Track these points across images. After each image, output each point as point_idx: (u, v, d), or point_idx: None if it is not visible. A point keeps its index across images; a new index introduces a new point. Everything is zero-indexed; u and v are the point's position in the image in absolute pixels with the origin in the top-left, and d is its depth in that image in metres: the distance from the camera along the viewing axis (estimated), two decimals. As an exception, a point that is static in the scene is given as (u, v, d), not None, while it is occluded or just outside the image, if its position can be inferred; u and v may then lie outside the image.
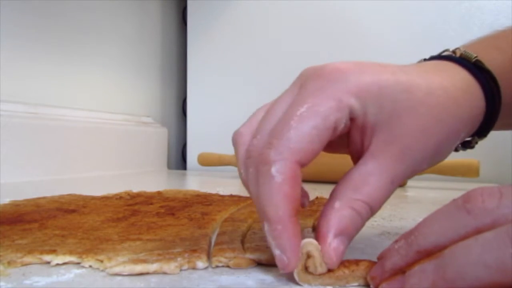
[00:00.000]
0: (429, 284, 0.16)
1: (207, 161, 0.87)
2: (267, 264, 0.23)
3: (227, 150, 0.88)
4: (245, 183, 0.23)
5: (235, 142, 0.24)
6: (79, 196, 0.45)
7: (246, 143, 0.23)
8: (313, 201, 0.44)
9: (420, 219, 0.20)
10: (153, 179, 0.80)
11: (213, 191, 0.52)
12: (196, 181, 0.80)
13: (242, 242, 0.26)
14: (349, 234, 0.21)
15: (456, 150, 0.29)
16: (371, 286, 0.20)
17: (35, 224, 0.30)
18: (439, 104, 0.23)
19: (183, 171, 1.04)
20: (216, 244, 0.25)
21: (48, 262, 0.23)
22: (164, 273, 0.22)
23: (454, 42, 0.97)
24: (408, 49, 0.86)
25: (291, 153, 0.20)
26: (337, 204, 0.22)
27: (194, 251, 0.23)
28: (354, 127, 0.23)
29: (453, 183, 0.74)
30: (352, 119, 0.22)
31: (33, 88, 0.72)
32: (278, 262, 0.20)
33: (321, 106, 0.21)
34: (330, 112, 0.21)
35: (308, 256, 0.20)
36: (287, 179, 0.20)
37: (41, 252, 0.23)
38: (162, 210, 0.37)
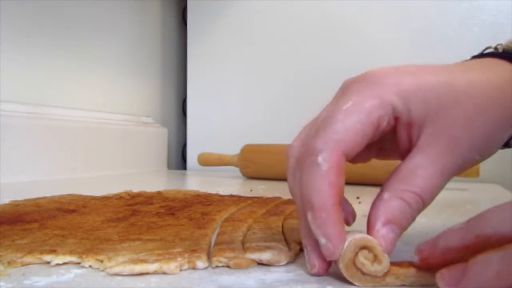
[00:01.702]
0: (493, 273, 0.16)
1: (207, 161, 0.87)
2: (267, 264, 0.23)
3: (227, 150, 0.88)
4: (292, 191, 0.24)
5: (286, 155, 0.25)
6: (79, 196, 0.45)
7: (296, 154, 0.24)
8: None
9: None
10: (153, 179, 0.80)
11: (213, 191, 0.52)
12: (196, 181, 0.80)
13: (242, 242, 0.26)
14: (399, 224, 0.22)
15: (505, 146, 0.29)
16: (417, 258, 0.20)
17: (35, 224, 0.30)
18: (483, 93, 0.23)
19: (183, 171, 1.04)
20: (216, 244, 0.25)
21: (48, 262, 0.23)
22: (164, 273, 0.22)
23: (454, 42, 0.97)
24: (408, 49, 0.86)
25: (337, 143, 0.21)
26: (385, 195, 0.22)
27: (194, 251, 0.23)
28: (400, 126, 0.23)
29: (453, 183, 0.74)
30: (396, 118, 0.23)
31: (33, 88, 0.72)
32: (324, 251, 0.21)
33: (365, 103, 0.22)
34: (373, 108, 0.22)
35: (364, 247, 0.20)
36: (333, 167, 0.21)
37: (41, 252, 0.23)
38: (162, 210, 0.37)
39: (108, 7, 0.90)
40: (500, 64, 0.25)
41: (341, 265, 0.20)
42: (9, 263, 0.22)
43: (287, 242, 0.26)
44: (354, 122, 0.22)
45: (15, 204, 0.39)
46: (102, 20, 0.88)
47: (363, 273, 0.20)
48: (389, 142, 0.26)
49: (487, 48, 0.28)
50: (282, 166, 0.79)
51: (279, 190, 0.60)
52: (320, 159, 0.21)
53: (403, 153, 0.24)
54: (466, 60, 0.28)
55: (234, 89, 1.03)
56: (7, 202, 0.40)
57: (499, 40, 0.32)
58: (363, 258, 0.20)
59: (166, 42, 1.12)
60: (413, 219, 0.22)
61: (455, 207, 0.47)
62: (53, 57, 0.76)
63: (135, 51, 1.00)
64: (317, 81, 0.94)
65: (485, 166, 0.72)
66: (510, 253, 0.16)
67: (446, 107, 0.22)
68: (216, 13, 1.04)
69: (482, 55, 0.28)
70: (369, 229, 0.22)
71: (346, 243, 0.20)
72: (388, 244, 0.21)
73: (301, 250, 0.26)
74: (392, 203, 0.22)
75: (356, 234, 0.21)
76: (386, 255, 0.20)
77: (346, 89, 0.24)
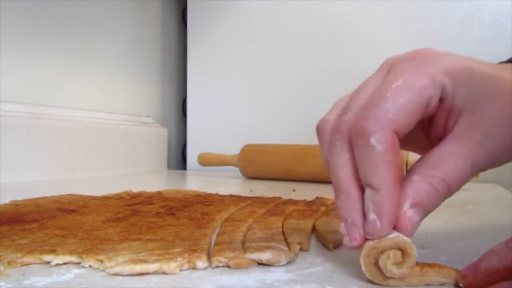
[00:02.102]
0: None
1: (207, 161, 0.87)
2: (267, 264, 0.23)
3: (227, 150, 0.88)
4: (328, 164, 0.23)
5: (320, 129, 0.25)
6: (79, 196, 0.45)
7: (331, 128, 0.24)
8: (313, 201, 0.44)
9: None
10: (153, 179, 0.80)
11: (213, 191, 0.52)
12: (196, 181, 0.80)
13: (242, 242, 0.26)
14: (424, 208, 0.22)
15: None
16: (461, 285, 0.19)
17: (35, 224, 0.30)
18: None
19: (183, 171, 1.04)
20: (216, 244, 0.25)
21: (48, 262, 0.23)
22: (164, 273, 0.22)
23: (454, 42, 0.97)
24: (409, 49, 0.86)
25: (389, 123, 0.21)
26: (415, 177, 0.22)
27: (194, 251, 0.23)
28: (441, 109, 0.23)
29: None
30: (441, 100, 0.23)
31: (33, 88, 0.72)
32: (369, 227, 0.21)
33: (416, 81, 0.22)
34: (425, 87, 0.22)
35: (402, 250, 0.20)
36: (389, 148, 0.21)
37: (41, 252, 0.23)
38: (162, 210, 0.37)
39: (108, 7, 0.90)
40: None
41: (371, 243, 0.20)
42: (9, 263, 0.22)
43: (287, 242, 0.26)
44: (406, 101, 0.21)
45: (15, 204, 0.39)
46: (102, 20, 0.88)
47: (375, 264, 0.20)
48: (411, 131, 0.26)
49: None
50: (282, 166, 0.79)
51: (279, 190, 0.60)
52: (373, 140, 0.21)
53: (434, 138, 0.24)
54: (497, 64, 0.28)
55: (234, 89, 1.03)
56: (7, 202, 0.40)
57: (499, 40, 0.32)
58: (392, 255, 0.20)
59: (166, 42, 1.12)
60: (436, 206, 0.22)
61: (455, 207, 0.47)
62: (53, 57, 0.76)
63: (135, 51, 1.00)
64: (317, 81, 0.94)
65: (485, 166, 0.72)
66: None
67: (487, 99, 0.22)
68: (216, 13, 1.04)
69: (510, 61, 0.28)
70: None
71: (393, 235, 0.20)
72: (413, 226, 0.21)
73: (301, 250, 0.26)
74: (421, 186, 0.22)
75: (405, 237, 0.20)
76: (409, 268, 0.20)
77: (394, 67, 0.24)
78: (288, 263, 0.24)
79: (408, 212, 0.21)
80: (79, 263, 0.23)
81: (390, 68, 0.24)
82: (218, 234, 0.28)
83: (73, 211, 0.36)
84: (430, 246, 0.29)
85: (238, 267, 0.23)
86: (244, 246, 0.25)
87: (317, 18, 0.95)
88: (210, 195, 0.48)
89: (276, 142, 0.85)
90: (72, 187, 0.54)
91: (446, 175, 0.22)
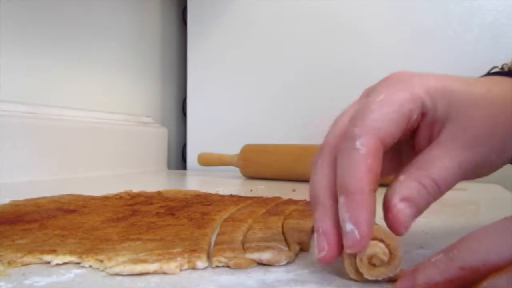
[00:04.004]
0: None
1: (207, 161, 0.87)
2: (267, 264, 0.23)
3: (227, 150, 0.88)
4: (312, 179, 0.24)
5: (320, 149, 0.25)
6: (79, 196, 0.45)
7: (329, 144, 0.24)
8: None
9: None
10: (153, 179, 0.80)
11: (213, 191, 0.52)
12: (196, 181, 0.80)
13: (242, 242, 0.26)
14: (415, 203, 0.21)
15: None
16: None
17: (35, 224, 0.30)
18: (501, 100, 0.24)
19: (183, 171, 1.04)
20: (216, 244, 0.25)
21: (48, 262, 0.23)
22: (164, 273, 0.22)
23: (454, 42, 0.97)
24: (408, 49, 0.86)
25: (374, 129, 0.21)
26: (402, 177, 0.22)
27: (194, 251, 0.23)
28: (424, 123, 0.24)
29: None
30: (423, 114, 0.24)
31: (33, 88, 0.72)
32: (347, 240, 0.20)
33: (396, 96, 0.23)
34: (405, 100, 0.23)
35: (381, 240, 0.20)
36: (371, 151, 0.21)
37: (41, 252, 0.23)
38: (162, 210, 0.37)
39: (108, 7, 0.90)
40: (509, 81, 0.26)
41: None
42: (9, 263, 0.22)
43: (287, 242, 0.26)
44: (389, 112, 0.22)
45: (15, 204, 0.39)
46: (102, 20, 0.88)
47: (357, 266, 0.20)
48: (406, 153, 0.27)
49: (493, 67, 0.30)
50: (282, 166, 0.79)
51: (279, 190, 0.60)
52: (358, 143, 0.21)
53: (420, 152, 0.24)
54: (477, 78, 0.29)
55: (234, 89, 1.03)
56: (7, 202, 0.40)
57: (499, 40, 0.32)
58: (382, 253, 0.19)
59: (166, 42, 1.12)
60: (428, 204, 0.22)
61: (455, 207, 0.47)
62: (53, 57, 0.76)
63: (135, 51, 1.00)
64: (317, 81, 0.94)
65: (485, 166, 0.72)
66: None
67: (467, 107, 0.23)
68: (216, 13, 1.04)
69: (489, 74, 0.29)
70: (385, 204, 0.21)
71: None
72: (406, 218, 0.21)
73: (301, 250, 0.26)
74: (409, 184, 0.22)
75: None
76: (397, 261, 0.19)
77: (373, 89, 0.25)
78: (288, 263, 0.24)
79: (399, 205, 0.21)
80: (79, 263, 0.23)
81: (369, 92, 0.25)
82: (218, 234, 0.28)
83: (73, 211, 0.36)
84: (430, 246, 0.29)
85: (238, 267, 0.23)
86: (244, 246, 0.25)
87: (318, 18, 0.95)
88: (210, 195, 0.48)
89: (276, 142, 0.85)
90: (72, 187, 0.54)
91: (434, 174, 0.22)
